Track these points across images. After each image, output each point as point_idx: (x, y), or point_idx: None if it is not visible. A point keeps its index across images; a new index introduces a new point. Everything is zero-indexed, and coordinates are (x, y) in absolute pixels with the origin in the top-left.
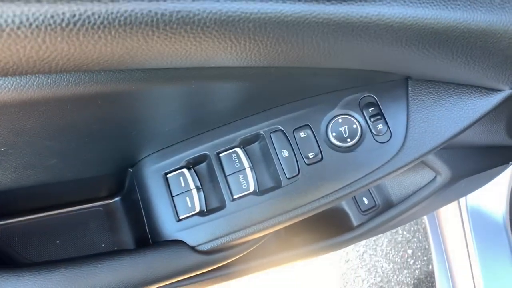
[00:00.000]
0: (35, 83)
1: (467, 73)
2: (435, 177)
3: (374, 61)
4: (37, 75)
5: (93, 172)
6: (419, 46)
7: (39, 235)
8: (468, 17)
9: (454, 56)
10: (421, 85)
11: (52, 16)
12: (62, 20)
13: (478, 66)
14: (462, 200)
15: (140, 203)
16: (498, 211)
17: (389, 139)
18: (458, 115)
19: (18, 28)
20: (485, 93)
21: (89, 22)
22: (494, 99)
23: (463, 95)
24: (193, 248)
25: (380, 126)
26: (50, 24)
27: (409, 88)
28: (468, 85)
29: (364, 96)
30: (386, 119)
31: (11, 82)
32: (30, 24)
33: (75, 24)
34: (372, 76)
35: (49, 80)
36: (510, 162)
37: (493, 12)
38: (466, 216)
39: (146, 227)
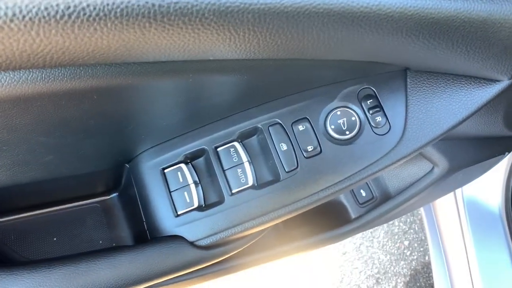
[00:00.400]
0: (29, 78)
1: (467, 63)
2: (433, 168)
3: (374, 52)
4: (31, 70)
5: (89, 168)
6: (419, 37)
7: (35, 232)
8: (468, 6)
9: (454, 46)
10: (420, 76)
11: (46, 8)
12: (57, 12)
13: (478, 56)
14: (458, 191)
15: (138, 199)
16: (494, 201)
17: (388, 131)
18: (457, 106)
19: (11, 20)
20: (484, 84)
21: (84, 14)
22: (492, 90)
23: (462, 86)
24: (192, 243)
25: (378, 118)
26: (44, 17)
27: (408, 80)
28: (467, 76)
29: (363, 88)
30: (385, 111)
31: (4, 77)
32: (24, 17)
33: (69, 16)
34: (370, 68)
35: (43, 75)
36: (506, 153)
37: (493, 2)
38: (462, 207)
39: (144, 223)
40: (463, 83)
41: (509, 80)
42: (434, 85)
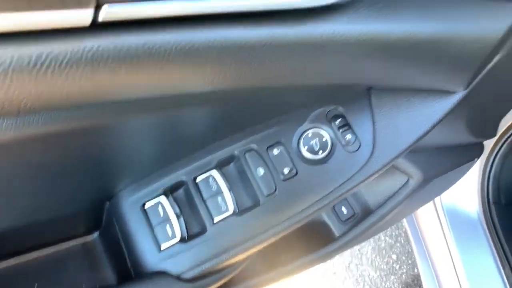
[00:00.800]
0: (3, 126)
1: (423, 79)
2: (408, 180)
3: (337, 76)
4: (4, 118)
5: (68, 209)
6: (375, 59)
7: (14, 282)
8: (417, 28)
9: (409, 65)
10: (383, 94)
11: (18, 59)
12: (29, 61)
13: (432, 71)
14: (437, 200)
15: (120, 237)
16: (472, 207)
17: (359, 148)
18: (420, 119)
19: None
20: (442, 96)
21: (56, 61)
22: (451, 101)
23: (422, 100)
24: (177, 277)
25: (348, 137)
26: (17, 67)
27: (372, 98)
28: (427, 90)
29: (331, 109)
30: (354, 129)
31: None
32: None
33: (42, 64)
34: (336, 90)
35: (17, 121)
36: (476, 159)
37: (440, 22)
38: (443, 215)
39: (128, 261)
40: (423, 97)
41: (464, 91)
42: (397, 101)
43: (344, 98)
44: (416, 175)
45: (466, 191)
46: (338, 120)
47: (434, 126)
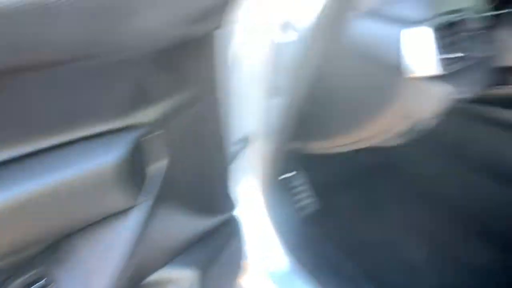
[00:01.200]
0: None
1: None
2: (186, 285)
3: None
4: None
5: None
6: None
7: None
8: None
9: None
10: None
11: None
12: None
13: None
14: (262, 272)
15: None
16: (286, 263)
17: None
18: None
19: None
20: (122, 215)
21: None
22: (136, 214)
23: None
24: None
25: None
26: None
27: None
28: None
29: (29, 276)
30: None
31: None
32: None
33: None
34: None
35: None
36: (237, 231)
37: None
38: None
39: None
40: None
41: (137, 205)
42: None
43: (39, 259)
44: (187, 277)
45: (272, 252)
46: (38, 284)
47: (138, 242)
